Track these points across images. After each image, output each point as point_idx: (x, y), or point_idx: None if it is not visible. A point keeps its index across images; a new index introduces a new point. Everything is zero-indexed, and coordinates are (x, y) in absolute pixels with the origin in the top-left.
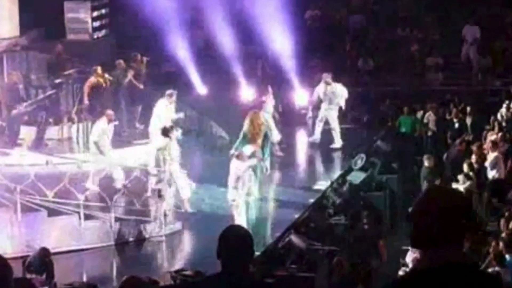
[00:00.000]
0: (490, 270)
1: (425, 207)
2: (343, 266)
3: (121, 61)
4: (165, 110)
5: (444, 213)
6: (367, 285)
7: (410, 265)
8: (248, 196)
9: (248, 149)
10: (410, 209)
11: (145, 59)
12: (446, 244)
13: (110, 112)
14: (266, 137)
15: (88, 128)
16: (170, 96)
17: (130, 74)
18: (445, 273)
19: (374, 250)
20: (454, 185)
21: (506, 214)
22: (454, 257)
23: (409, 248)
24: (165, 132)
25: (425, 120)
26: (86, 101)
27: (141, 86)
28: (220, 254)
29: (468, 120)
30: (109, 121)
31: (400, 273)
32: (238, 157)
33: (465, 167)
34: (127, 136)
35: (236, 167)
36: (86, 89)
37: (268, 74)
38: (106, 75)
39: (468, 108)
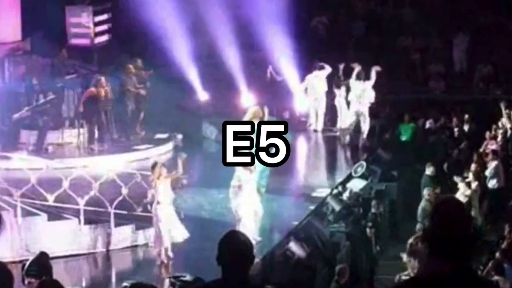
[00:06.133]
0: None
1: (438, 219)
2: (345, 276)
3: (130, 66)
4: None
5: (457, 225)
6: None
7: (409, 272)
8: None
9: None
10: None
11: (148, 73)
12: (455, 254)
13: None
14: None
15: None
16: None
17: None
18: (450, 280)
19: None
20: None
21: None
22: (460, 265)
23: (405, 255)
24: None
25: (426, 128)
26: (81, 109)
27: (143, 92)
28: (220, 260)
29: (466, 128)
30: None
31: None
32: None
33: (470, 176)
34: (128, 141)
35: (238, 175)
36: (83, 97)
37: (275, 80)
38: (108, 89)
39: (466, 116)
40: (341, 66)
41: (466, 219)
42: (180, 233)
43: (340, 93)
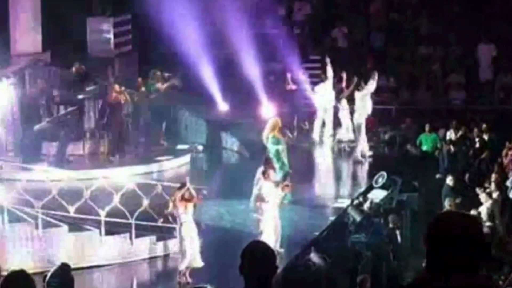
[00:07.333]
0: None
1: (439, 233)
2: (366, 286)
3: (158, 72)
4: None
5: (458, 241)
6: None
7: None
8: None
9: None
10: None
11: (166, 75)
12: (459, 271)
13: None
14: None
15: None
16: None
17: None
18: None
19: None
20: None
21: None
22: (465, 283)
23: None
24: None
25: (446, 138)
26: (106, 117)
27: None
28: (243, 269)
29: (486, 138)
30: None
31: None
32: (265, 175)
33: (491, 186)
34: (149, 152)
35: (261, 186)
36: (106, 106)
37: (291, 88)
38: (123, 96)
39: (484, 125)
40: (344, 76)
41: (472, 236)
42: (199, 259)
43: (343, 105)
